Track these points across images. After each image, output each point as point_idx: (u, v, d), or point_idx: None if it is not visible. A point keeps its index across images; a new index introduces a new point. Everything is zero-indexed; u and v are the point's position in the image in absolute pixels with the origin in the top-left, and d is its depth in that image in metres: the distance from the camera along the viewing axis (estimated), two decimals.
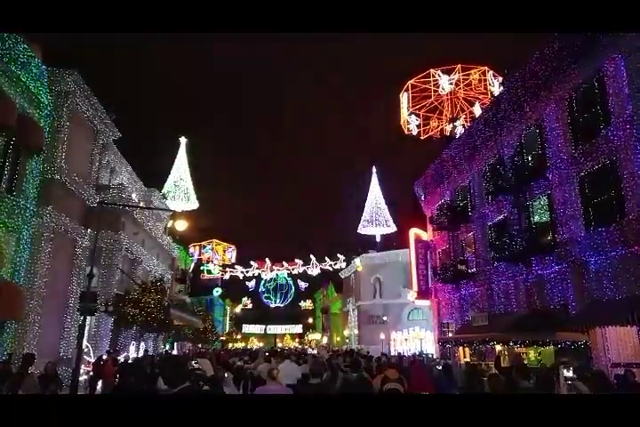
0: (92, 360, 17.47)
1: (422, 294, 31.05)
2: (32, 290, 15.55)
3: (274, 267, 63.79)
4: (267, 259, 63.52)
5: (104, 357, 16.76)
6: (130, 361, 17.89)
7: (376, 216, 53.04)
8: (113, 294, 21.00)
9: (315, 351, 24.32)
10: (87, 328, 18.31)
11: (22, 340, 14.92)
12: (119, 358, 18.40)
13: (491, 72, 33.10)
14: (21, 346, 14.58)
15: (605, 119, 15.47)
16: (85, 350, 17.65)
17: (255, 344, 79.17)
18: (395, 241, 47.73)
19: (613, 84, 15.08)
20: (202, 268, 62.02)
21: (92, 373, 16.46)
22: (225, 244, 67.38)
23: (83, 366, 15.87)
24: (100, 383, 15.64)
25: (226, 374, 7.13)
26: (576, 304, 16.17)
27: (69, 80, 17.61)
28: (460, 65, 34.04)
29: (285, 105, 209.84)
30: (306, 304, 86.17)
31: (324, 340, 66.94)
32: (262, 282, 76.99)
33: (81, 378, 14.87)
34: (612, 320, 13.56)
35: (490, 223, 22.94)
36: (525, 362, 17.27)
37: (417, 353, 28.08)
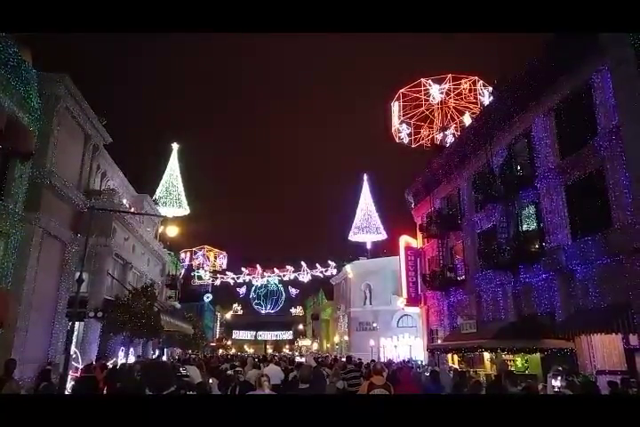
0: (80, 366, 17.33)
1: (412, 300, 31.16)
2: (20, 295, 15.45)
3: (265, 273, 63.72)
4: (257, 265, 63.50)
5: (93, 363, 16.61)
6: (118, 367, 17.77)
7: (367, 223, 53.20)
8: (102, 299, 20.89)
9: (303, 359, 24.26)
10: (76, 334, 18.20)
11: (9, 345, 14.80)
12: (108, 364, 18.27)
13: (481, 82, 33.43)
14: (8, 351, 14.46)
15: (592, 130, 15.71)
16: (73, 355, 17.52)
17: (246, 351, 78.74)
18: (385, 248, 47.93)
19: (600, 95, 15.34)
20: (193, 274, 61.77)
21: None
22: (216, 250, 67.23)
23: (70, 372, 15.75)
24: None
25: (211, 380, 7.14)
26: (562, 312, 16.34)
27: (60, 84, 17.57)
28: (450, 75, 34.38)
29: (277, 113, 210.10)
30: (296, 311, 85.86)
31: (315, 346, 66.73)
32: (253, 288, 76.77)
33: (68, 384, 14.74)
34: (598, 328, 13.72)
35: (479, 231, 23.14)
36: (512, 369, 17.38)
37: (406, 360, 28.12)
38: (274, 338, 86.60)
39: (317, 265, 58.69)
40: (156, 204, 41.71)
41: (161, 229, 38.28)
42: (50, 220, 17.34)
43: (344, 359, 16.93)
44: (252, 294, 78.97)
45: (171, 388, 3.42)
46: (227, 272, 63.34)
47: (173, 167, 49.95)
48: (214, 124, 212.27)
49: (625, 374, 12.84)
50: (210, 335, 61.87)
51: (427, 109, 35.01)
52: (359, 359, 24.29)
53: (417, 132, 35.38)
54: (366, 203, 54.66)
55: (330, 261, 57.21)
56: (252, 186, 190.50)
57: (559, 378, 12.82)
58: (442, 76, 34.62)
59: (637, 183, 13.36)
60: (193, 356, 31.26)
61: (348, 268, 46.68)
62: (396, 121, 35.74)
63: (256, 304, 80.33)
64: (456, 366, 23.12)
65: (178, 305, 39.19)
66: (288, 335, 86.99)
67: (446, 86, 34.41)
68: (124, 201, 27.15)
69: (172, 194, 48.43)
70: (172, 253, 42.49)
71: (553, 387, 12.75)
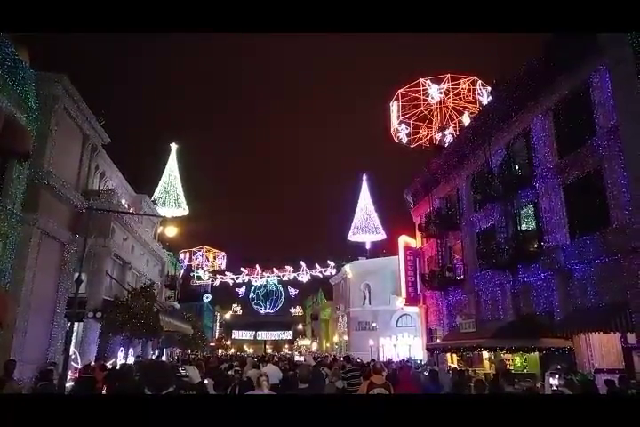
0: (79, 366, 17.33)
1: (411, 300, 31.19)
2: (19, 296, 15.44)
3: (264, 273, 63.80)
4: (257, 265, 63.57)
5: (92, 364, 16.60)
6: (118, 367, 17.77)
7: (366, 223, 53.30)
8: (101, 300, 20.87)
9: (302, 358, 24.29)
10: (75, 334, 18.19)
11: (9, 346, 14.78)
12: (107, 364, 18.26)
13: (479, 82, 33.44)
14: (7, 352, 14.45)
15: (591, 129, 15.72)
16: (73, 356, 17.51)
17: (245, 351, 78.75)
18: (384, 248, 47.97)
19: (598, 95, 15.34)
20: (192, 274, 61.78)
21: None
22: (215, 250, 67.31)
23: (69, 373, 15.74)
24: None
25: (206, 381, 7.11)
26: (561, 311, 16.36)
27: (58, 84, 17.53)
28: (449, 74, 34.38)
29: (277, 113, 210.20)
30: (296, 311, 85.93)
31: (314, 346, 66.76)
32: (252, 288, 76.86)
33: (67, 384, 14.74)
34: (596, 327, 13.75)
35: (477, 231, 23.15)
36: (511, 368, 17.41)
37: (405, 359, 28.16)
38: (273, 338, 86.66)
39: (317, 265, 58.86)
40: (155, 204, 41.69)
41: (160, 229, 38.26)
42: (48, 220, 17.32)
43: (342, 359, 16.99)
44: (251, 294, 79.07)
45: (170, 388, 3.43)
46: (226, 272, 63.48)
47: (172, 167, 50.00)
48: (214, 124, 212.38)
49: (623, 373, 12.86)
50: (209, 335, 61.84)
51: (425, 109, 35.03)
52: (358, 359, 24.37)
53: (416, 132, 35.38)
54: (365, 203, 54.75)
55: (329, 261, 57.39)
56: (251, 186, 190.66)
57: (557, 376, 12.86)
58: (441, 76, 34.64)
59: (636, 183, 13.37)
60: (192, 356, 31.28)
61: (347, 268, 46.72)
62: (394, 121, 35.74)
63: (255, 304, 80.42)
64: (455, 365, 23.15)
65: (177, 305, 39.21)
66: (287, 335, 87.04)
67: (445, 86, 34.43)
68: (123, 201, 27.14)
69: (170, 194, 48.49)
70: (171, 254, 42.51)
71: (551, 385, 12.79)
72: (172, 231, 42.84)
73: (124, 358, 22.88)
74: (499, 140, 21.30)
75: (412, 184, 31.71)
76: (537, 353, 16.75)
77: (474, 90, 33.67)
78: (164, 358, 30.27)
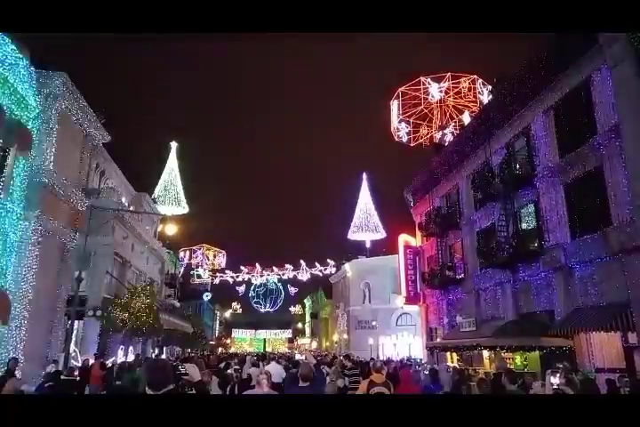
0: (79, 364, 17.33)
1: (411, 299, 31.18)
2: (19, 294, 15.44)
3: (264, 272, 63.82)
4: (257, 264, 63.59)
5: (90, 361, 16.59)
6: (117, 365, 17.78)
7: (366, 222, 53.20)
8: (101, 298, 20.90)
9: (303, 357, 24.31)
10: (75, 332, 18.23)
11: (8, 344, 14.79)
12: (107, 362, 18.26)
13: (480, 80, 33.41)
14: (7, 350, 14.46)
15: (591, 128, 15.68)
16: (73, 354, 17.53)
17: (245, 349, 78.87)
18: (384, 247, 47.93)
19: (600, 94, 15.31)
20: (192, 272, 61.82)
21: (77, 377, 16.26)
22: (215, 249, 67.24)
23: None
24: (86, 388, 15.47)
25: (210, 378, 7.10)
26: (561, 310, 16.34)
27: (58, 82, 17.51)
28: (449, 73, 34.37)
29: (277, 113, 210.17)
30: (296, 309, 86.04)
31: (314, 345, 66.81)
32: (252, 287, 76.93)
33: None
34: (597, 326, 13.73)
35: (478, 230, 23.13)
36: (512, 367, 17.40)
37: (405, 358, 28.19)
38: (273, 337, 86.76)
39: (316, 264, 58.86)
40: (155, 202, 41.72)
41: (160, 227, 38.31)
42: (48, 218, 17.30)
43: (342, 358, 16.99)
44: (251, 293, 79.07)
45: (169, 386, 3.42)
46: (226, 271, 63.44)
47: (172, 166, 49.93)
48: (214, 124, 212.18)
49: (623, 373, 12.85)
50: (209, 334, 61.93)
51: (426, 108, 35.01)
52: (358, 357, 24.37)
53: (416, 131, 35.39)
54: (365, 202, 54.66)
55: (329, 260, 57.41)
56: (251, 185, 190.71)
57: (558, 375, 12.85)
58: (441, 75, 34.63)
59: (636, 181, 13.35)
60: (192, 354, 31.32)
61: (347, 266, 46.73)
62: (395, 119, 35.73)
63: (255, 303, 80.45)
64: (455, 364, 23.15)
65: (177, 304, 39.27)
66: (287, 334, 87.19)
67: (445, 85, 34.41)
68: (123, 199, 27.17)
69: (170, 192, 48.41)
70: (171, 252, 42.54)
71: (552, 384, 12.78)
72: (171, 230, 42.93)
73: (124, 356, 22.90)
74: (499, 139, 21.26)
75: (412, 183, 31.68)
76: (537, 352, 16.72)
77: (474, 88, 33.66)
78: (163, 356, 30.29)
